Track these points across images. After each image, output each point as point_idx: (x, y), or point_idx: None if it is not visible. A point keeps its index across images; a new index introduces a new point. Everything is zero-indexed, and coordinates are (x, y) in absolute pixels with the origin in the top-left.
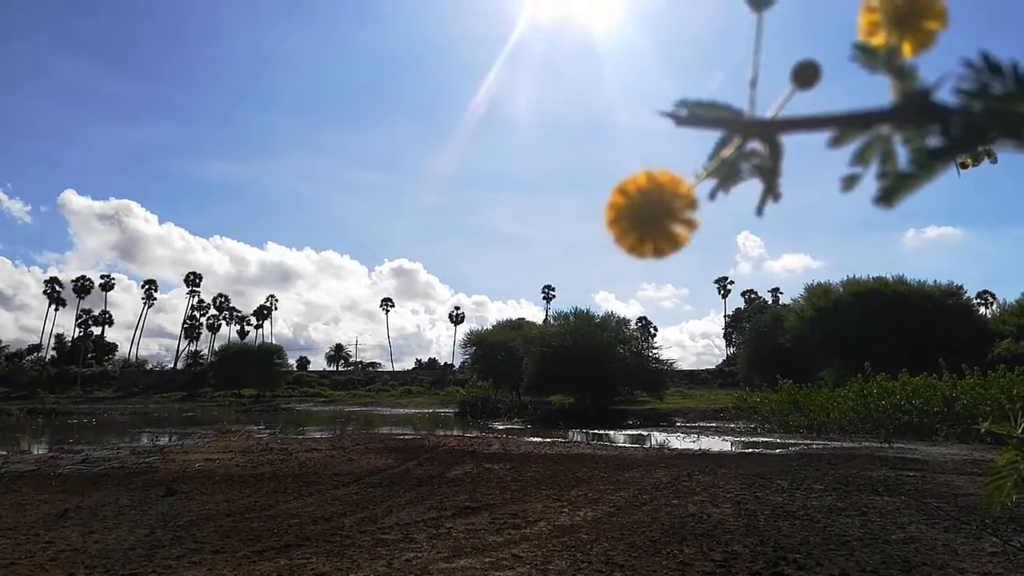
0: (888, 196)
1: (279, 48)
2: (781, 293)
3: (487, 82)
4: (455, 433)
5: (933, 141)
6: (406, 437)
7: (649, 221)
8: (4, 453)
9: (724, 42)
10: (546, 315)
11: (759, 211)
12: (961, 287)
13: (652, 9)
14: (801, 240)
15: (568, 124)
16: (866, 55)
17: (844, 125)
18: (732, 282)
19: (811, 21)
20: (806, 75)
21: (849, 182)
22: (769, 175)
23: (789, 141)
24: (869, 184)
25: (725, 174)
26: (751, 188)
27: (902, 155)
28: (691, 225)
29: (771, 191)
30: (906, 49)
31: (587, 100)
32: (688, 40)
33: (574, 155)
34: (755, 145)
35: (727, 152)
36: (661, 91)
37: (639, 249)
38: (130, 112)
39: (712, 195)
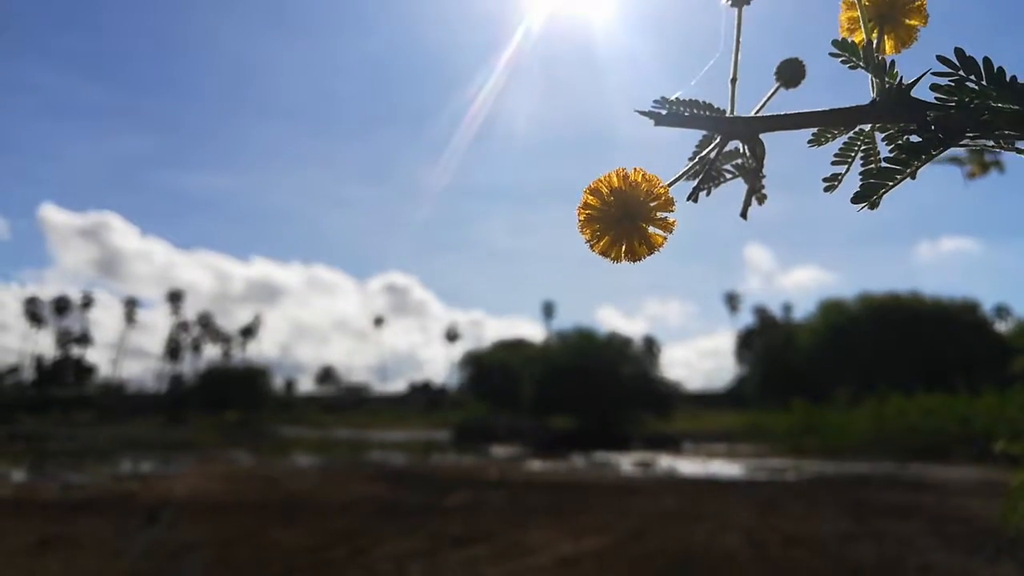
0: (866, 194)
1: (264, 57)
2: (793, 309)
3: (483, 91)
4: (451, 458)
5: (913, 138)
6: (399, 463)
7: (622, 223)
8: None
9: (730, 50)
10: (546, 333)
11: (743, 213)
12: (977, 303)
13: (654, 16)
14: (812, 252)
15: (567, 134)
16: (845, 51)
17: (824, 122)
18: (741, 298)
19: (801, 19)
20: (791, 73)
21: (831, 181)
22: (752, 175)
23: (796, 147)
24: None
25: (707, 175)
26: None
27: (886, 153)
28: (667, 227)
29: (755, 192)
30: (888, 47)
31: (587, 110)
32: (692, 48)
33: (574, 166)
34: (737, 145)
35: (708, 152)
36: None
37: (613, 252)
38: (110, 123)
39: (692, 196)
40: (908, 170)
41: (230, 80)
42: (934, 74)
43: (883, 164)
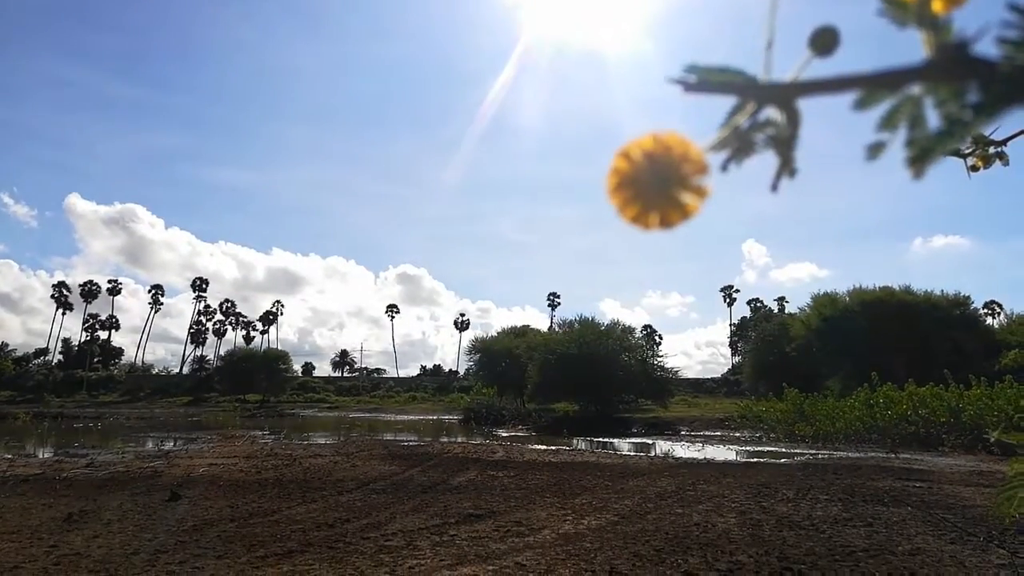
0: (920, 158)
1: (286, 58)
2: (787, 302)
3: (493, 92)
4: (459, 440)
5: (972, 97)
6: (410, 443)
7: (656, 188)
8: (9, 457)
9: (732, 50)
10: (551, 322)
11: (774, 187)
12: (968, 297)
13: (658, 18)
14: (807, 249)
15: (574, 134)
16: (895, 8)
17: (871, 85)
18: (738, 291)
19: None
20: (824, 41)
21: (875, 150)
22: (785, 146)
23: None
24: (876, 193)
25: (738, 144)
26: (755, 196)
27: (932, 120)
28: (701, 193)
29: (787, 165)
30: (937, 6)
31: (593, 109)
32: (696, 48)
33: (580, 164)
34: (770, 113)
35: (740, 120)
36: (668, 99)
37: (644, 219)
38: (137, 119)
39: (725, 166)
40: (966, 132)
41: (254, 80)
42: (1001, 25)
43: (939, 128)
